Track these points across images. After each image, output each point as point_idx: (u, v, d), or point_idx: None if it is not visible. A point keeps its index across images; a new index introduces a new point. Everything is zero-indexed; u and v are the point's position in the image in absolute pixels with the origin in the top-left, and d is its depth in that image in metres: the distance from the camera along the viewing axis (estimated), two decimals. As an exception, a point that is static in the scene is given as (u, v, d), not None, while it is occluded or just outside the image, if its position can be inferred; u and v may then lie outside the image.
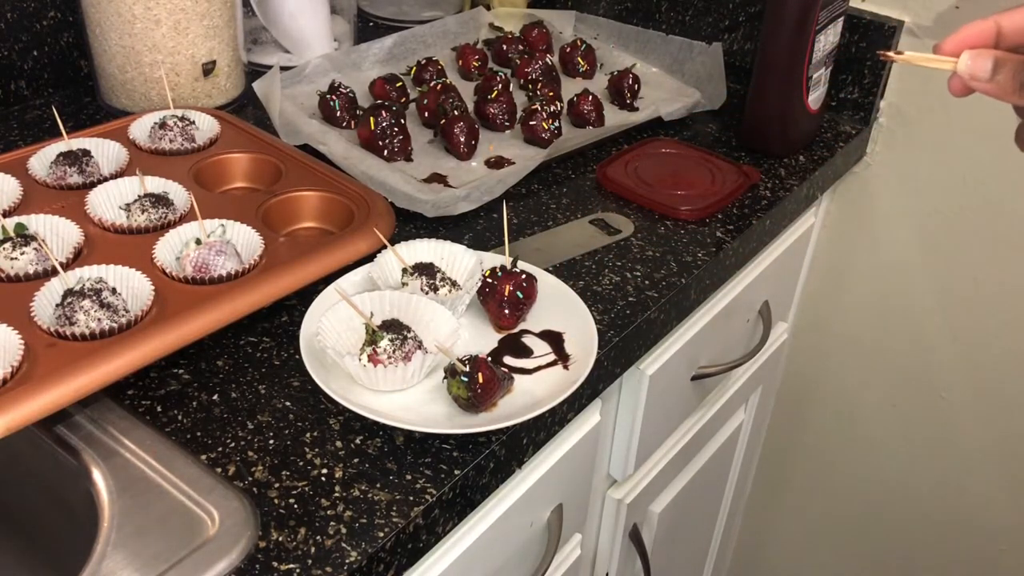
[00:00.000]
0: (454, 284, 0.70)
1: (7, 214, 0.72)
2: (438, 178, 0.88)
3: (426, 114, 0.97)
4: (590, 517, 0.91)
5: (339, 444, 0.60)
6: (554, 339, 0.69)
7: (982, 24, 0.47)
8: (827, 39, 0.98)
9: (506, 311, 0.69)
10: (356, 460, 0.59)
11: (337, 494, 0.57)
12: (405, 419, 0.60)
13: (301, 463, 0.59)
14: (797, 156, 1.00)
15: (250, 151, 0.85)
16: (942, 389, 1.17)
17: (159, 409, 0.62)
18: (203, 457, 0.59)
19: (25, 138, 0.91)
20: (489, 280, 0.69)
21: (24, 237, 0.68)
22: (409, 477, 0.58)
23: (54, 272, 0.65)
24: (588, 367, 0.65)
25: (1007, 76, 0.46)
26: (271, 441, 0.60)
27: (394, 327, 0.63)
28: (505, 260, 0.71)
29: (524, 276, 0.69)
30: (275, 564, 0.52)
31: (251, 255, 0.70)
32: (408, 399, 0.63)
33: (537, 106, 0.95)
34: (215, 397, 0.63)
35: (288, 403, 0.63)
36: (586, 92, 1.00)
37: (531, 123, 0.94)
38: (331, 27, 1.11)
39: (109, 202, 0.75)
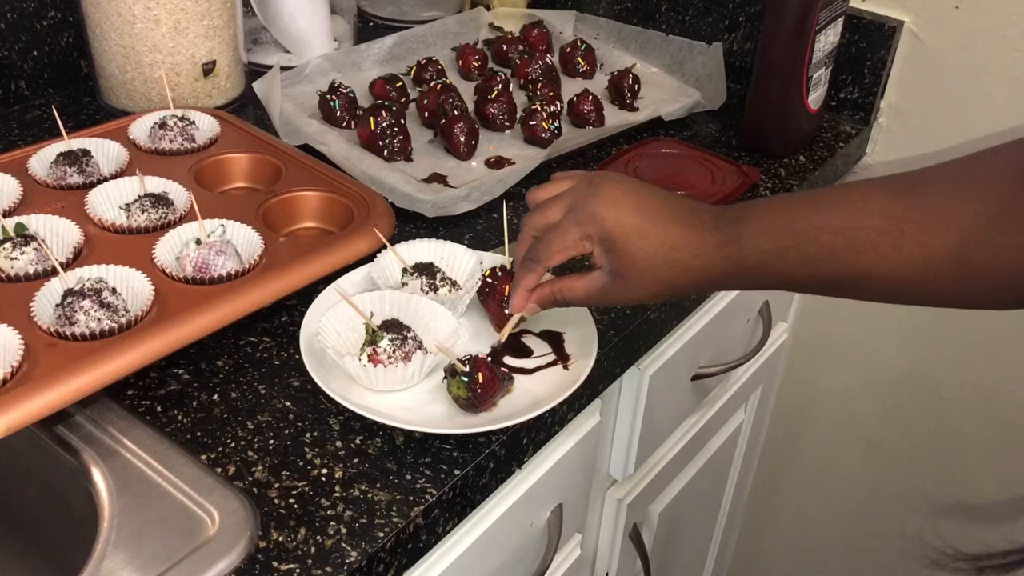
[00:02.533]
0: (454, 284, 0.70)
1: (7, 214, 0.72)
2: (438, 178, 0.88)
3: (426, 114, 0.97)
4: (590, 517, 0.91)
5: (339, 444, 0.60)
6: (554, 339, 0.69)
7: (528, 281, 0.62)
8: (827, 39, 0.98)
9: (506, 311, 0.68)
10: (356, 460, 0.59)
11: (337, 494, 0.57)
12: (405, 419, 0.60)
13: (301, 463, 0.59)
14: (797, 156, 1.00)
15: (250, 151, 0.85)
16: (942, 389, 1.17)
17: (159, 409, 0.62)
18: (203, 457, 0.59)
19: (25, 138, 0.91)
20: (489, 280, 0.69)
21: (24, 237, 0.68)
22: (409, 477, 0.58)
23: (54, 272, 0.65)
24: (588, 367, 0.65)
25: (548, 306, 0.63)
26: (271, 441, 0.60)
27: (394, 327, 0.63)
28: (505, 260, 0.71)
29: (524, 276, 0.69)
30: (275, 564, 0.52)
31: (251, 255, 0.70)
32: (408, 399, 0.63)
33: (537, 106, 0.95)
34: (215, 397, 0.63)
35: (288, 403, 0.63)
36: (586, 92, 1.00)
37: (531, 123, 0.94)
38: (331, 27, 1.11)
39: (109, 202, 0.75)
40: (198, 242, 0.69)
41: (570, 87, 1.07)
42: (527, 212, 0.63)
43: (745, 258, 0.56)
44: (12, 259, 0.66)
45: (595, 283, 0.60)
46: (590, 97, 0.99)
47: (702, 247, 0.57)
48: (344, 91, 0.96)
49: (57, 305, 0.62)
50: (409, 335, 0.62)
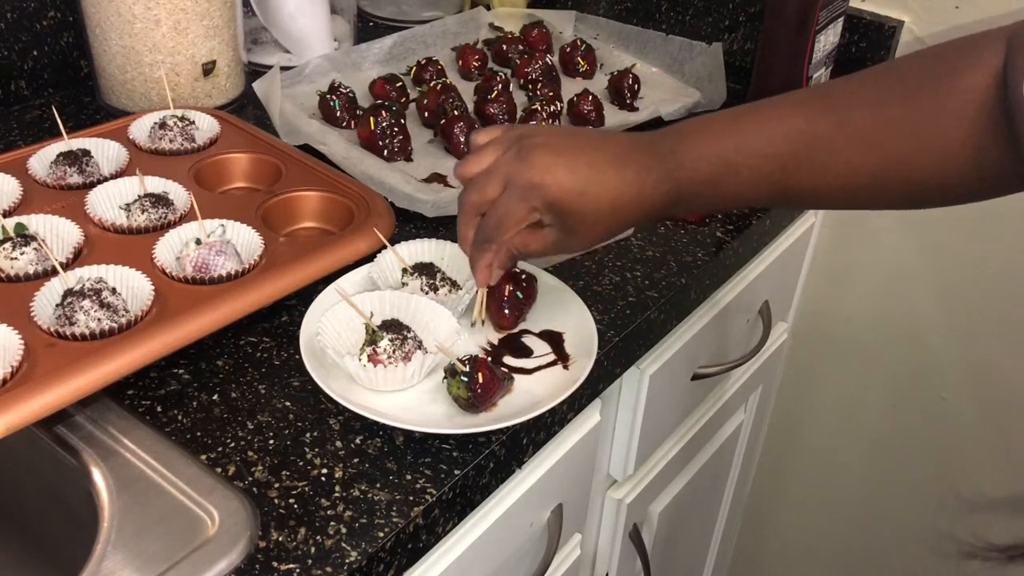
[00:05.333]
0: (454, 284, 0.70)
1: (7, 214, 0.72)
2: (438, 178, 0.88)
3: (426, 114, 0.97)
4: (590, 517, 0.91)
5: (339, 444, 0.60)
6: (554, 339, 0.69)
7: (487, 259, 0.62)
8: (827, 39, 0.98)
9: (506, 311, 0.69)
10: (356, 460, 0.59)
11: (337, 494, 0.57)
12: (405, 419, 0.60)
13: (301, 463, 0.59)
14: (797, 156, 1.00)
15: (250, 151, 0.85)
16: (942, 389, 1.17)
17: (159, 409, 0.62)
18: (203, 457, 0.59)
19: (25, 138, 0.91)
20: (489, 280, 0.69)
21: (24, 237, 0.68)
22: (409, 477, 0.58)
23: (54, 272, 0.65)
24: (588, 367, 0.65)
25: (509, 266, 0.64)
26: (271, 441, 0.60)
27: (394, 327, 0.63)
28: (505, 260, 0.70)
29: (524, 276, 0.69)
30: (275, 564, 0.52)
31: (251, 255, 0.70)
32: (408, 399, 0.63)
33: (537, 106, 0.95)
34: (215, 397, 0.63)
35: (288, 403, 0.63)
36: (586, 92, 1.00)
37: (531, 123, 0.94)
38: (331, 27, 1.11)
39: (109, 202, 0.75)
40: (198, 242, 0.69)
41: (570, 87, 1.07)
42: (462, 190, 0.63)
43: (681, 191, 0.59)
44: (12, 259, 0.66)
45: (548, 238, 0.61)
46: (590, 97, 0.99)
47: (641, 189, 0.59)
48: (344, 91, 0.96)
49: (57, 305, 0.62)
50: (409, 335, 0.62)
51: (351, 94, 0.97)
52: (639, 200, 0.59)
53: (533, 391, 0.64)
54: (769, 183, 0.58)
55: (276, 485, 0.57)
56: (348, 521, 0.55)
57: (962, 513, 1.19)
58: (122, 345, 0.60)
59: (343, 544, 0.54)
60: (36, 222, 0.71)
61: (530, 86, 1.05)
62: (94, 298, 0.61)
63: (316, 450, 0.60)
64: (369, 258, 0.72)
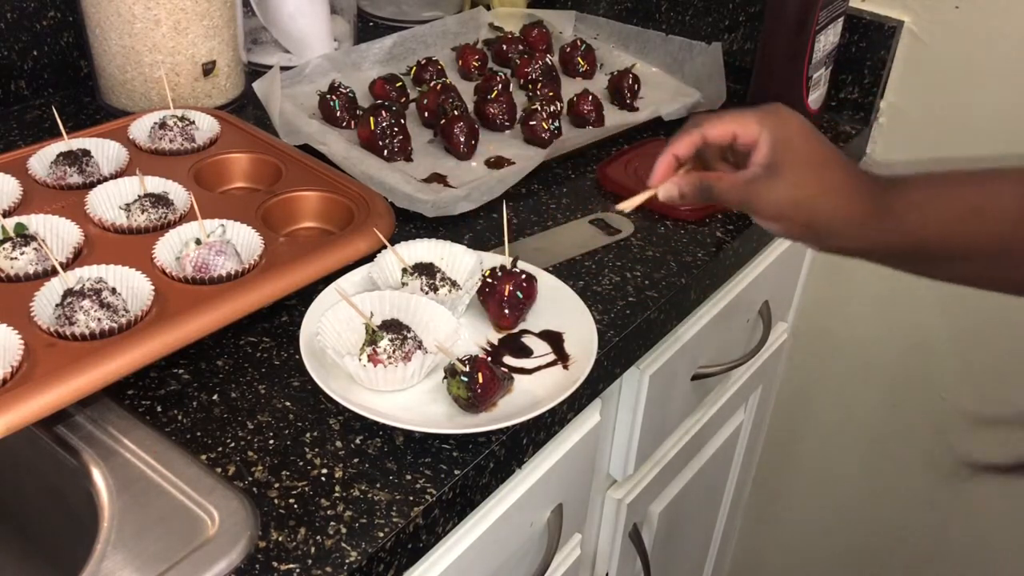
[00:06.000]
0: (454, 284, 0.70)
1: (7, 214, 0.72)
2: (438, 178, 0.88)
3: (426, 114, 0.97)
4: (590, 517, 0.91)
5: (339, 444, 0.60)
6: (554, 339, 0.69)
7: (677, 146, 0.62)
8: (827, 39, 0.98)
9: (506, 311, 0.69)
10: (356, 460, 0.59)
11: (337, 494, 0.57)
12: (405, 419, 0.60)
13: (301, 463, 0.59)
14: (797, 156, 1.00)
15: (250, 151, 0.85)
16: (942, 389, 1.17)
17: (159, 409, 0.62)
18: (203, 457, 0.59)
19: (25, 138, 0.91)
20: (489, 280, 0.69)
21: (24, 237, 0.68)
22: (409, 477, 0.58)
23: (54, 272, 0.65)
24: (588, 367, 0.65)
25: (691, 193, 0.62)
26: (271, 441, 0.60)
27: (394, 327, 0.63)
28: (505, 260, 0.71)
29: (524, 276, 0.69)
30: (275, 564, 0.52)
31: (251, 255, 0.70)
32: (408, 399, 0.63)
33: (537, 106, 0.95)
34: (215, 397, 0.63)
35: (288, 403, 0.63)
36: (586, 92, 1.00)
37: (531, 123, 0.94)
38: (331, 27, 1.11)
39: (109, 202, 0.75)
40: (198, 242, 0.69)
41: (570, 87, 1.07)
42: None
43: (899, 232, 0.59)
44: (12, 259, 0.66)
45: (744, 175, 0.61)
46: (590, 97, 0.99)
47: (857, 183, 0.59)
48: (344, 91, 0.96)
49: (57, 305, 0.62)
50: (409, 335, 0.62)
51: (351, 94, 0.97)
52: (850, 183, 0.59)
53: (533, 391, 0.64)
54: (967, 233, 0.59)
55: (276, 485, 0.57)
56: (348, 521, 0.55)
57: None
58: (122, 345, 0.60)
59: (343, 544, 0.54)
60: (36, 222, 0.71)
61: (530, 86, 1.05)
62: (94, 298, 0.61)
63: (316, 450, 0.60)
64: (369, 258, 0.72)
